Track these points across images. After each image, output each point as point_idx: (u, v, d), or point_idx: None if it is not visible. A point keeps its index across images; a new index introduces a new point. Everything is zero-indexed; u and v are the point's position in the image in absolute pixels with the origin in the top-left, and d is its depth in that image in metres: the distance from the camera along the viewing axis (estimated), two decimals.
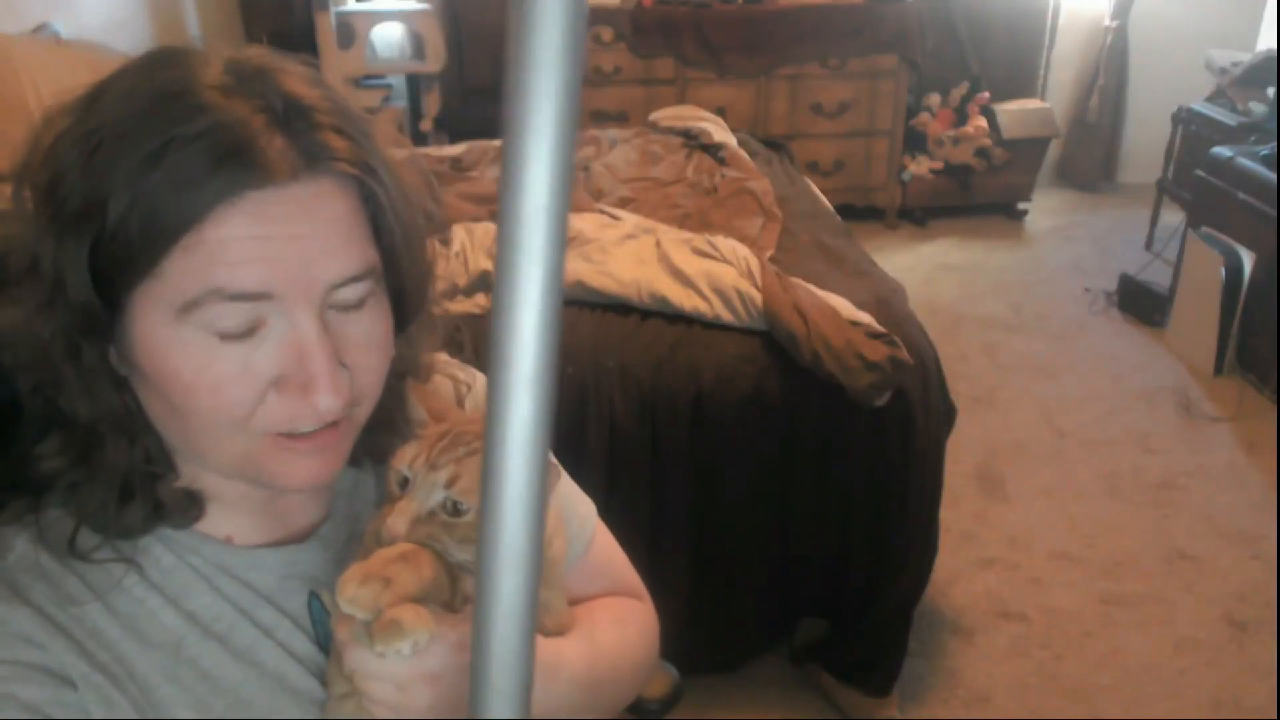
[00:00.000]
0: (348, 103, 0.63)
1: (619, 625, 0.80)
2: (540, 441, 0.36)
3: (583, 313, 1.96)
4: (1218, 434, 2.94)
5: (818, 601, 2.02)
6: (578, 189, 2.57)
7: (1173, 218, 3.91)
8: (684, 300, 1.92)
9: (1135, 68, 4.68)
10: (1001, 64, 4.61)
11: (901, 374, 1.79)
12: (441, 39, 3.89)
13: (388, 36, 3.93)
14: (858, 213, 4.29)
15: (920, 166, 4.44)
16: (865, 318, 1.89)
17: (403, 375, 0.72)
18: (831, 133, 4.26)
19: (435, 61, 3.89)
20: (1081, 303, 3.74)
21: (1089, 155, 4.82)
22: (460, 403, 0.80)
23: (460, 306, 2.00)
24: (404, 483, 0.62)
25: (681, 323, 1.92)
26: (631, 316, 1.94)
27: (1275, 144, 3.09)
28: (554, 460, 0.84)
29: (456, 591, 0.62)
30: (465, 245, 2.15)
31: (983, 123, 4.42)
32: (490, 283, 2.03)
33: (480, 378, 0.83)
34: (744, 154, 2.90)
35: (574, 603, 0.78)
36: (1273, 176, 2.99)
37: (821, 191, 2.88)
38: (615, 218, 2.29)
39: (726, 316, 1.89)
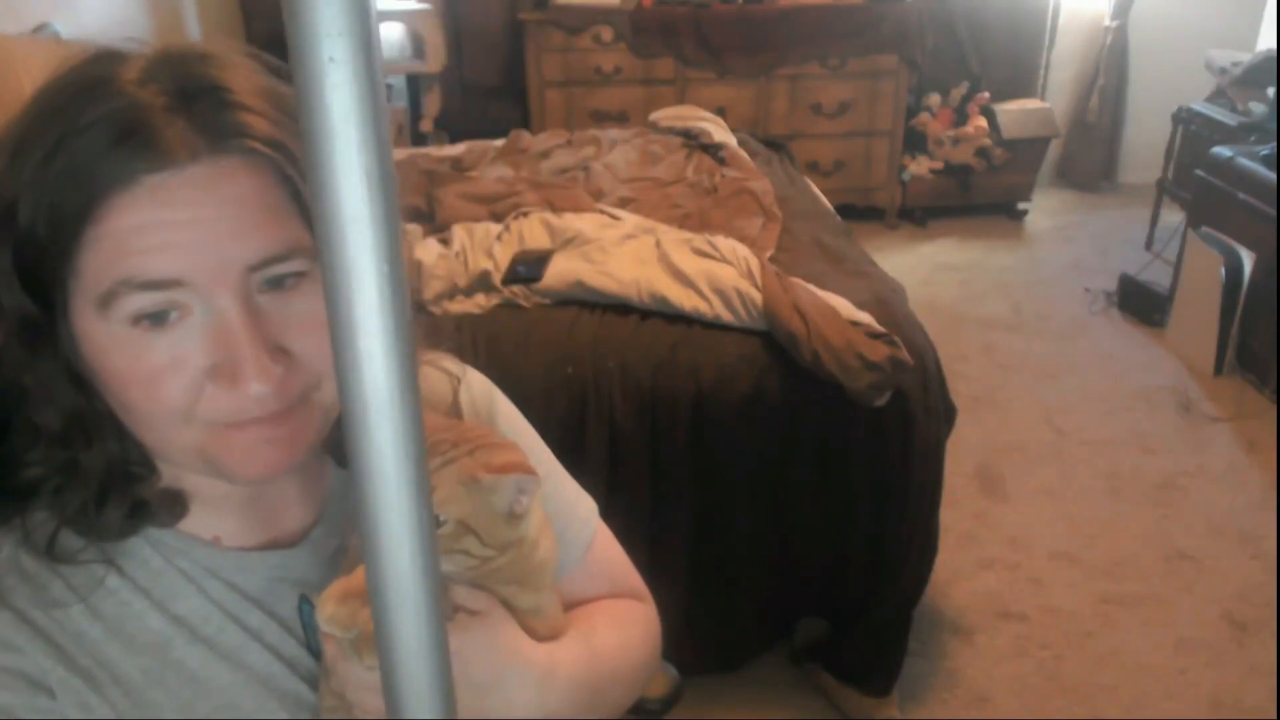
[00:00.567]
0: (282, 86, 0.61)
1: (619, 627, 0.79)
2: (408, 411, 0.33)
3: (583, 313, 1.96)
4: (1218, 434, 2.94)
5: (818, 601, 2.02)
6: (578, 189, 2.57)
7: (1173, 218, 3.91)
8: (684, 300, 1.92)
9: (1135, 68, 4.68)
10: (1001, 64, 4.61)
11: (901, 374, 1.79)
12: (441, 39, 3.90)
13: (388, 36, 3.93)
14: (858, 213, 4.29)
15: (920, 166, 4.44)
16: (865, 318, 1.89)
17: None
18: (831, 133, 4.26)
19: (435, 61, 3.89)
20: (1081, 303, 3.74)
21: (1089, 155, 4.82)
22: (455, 395, 0.78)
23: (460, 306, 2.00)
24: None
25: (681, 323, 1.92)
26: (631, 316, 1.94)
27: (1275, 144, 3.09)
28: (552, 461, 0.84)
29: (445, 601, 0.61)
30: (465, 245, 2.15)
31: (983, 123, 4.42)
32: (491, 283, 2.03)
33: (471, 371, 0.82)
34: (744, 154, 2.90)
35: (575, 604, 0.77)
36: (1273, 176, 2.99)
37: (821, 191, 2.88)
38: (615, 218, 2.29)
39: (726, 316, 1.89)
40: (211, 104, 0.57)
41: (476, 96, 4.33)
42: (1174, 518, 2.58)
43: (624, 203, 2.51)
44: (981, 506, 2.62)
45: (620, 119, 4.04)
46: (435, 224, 2.33)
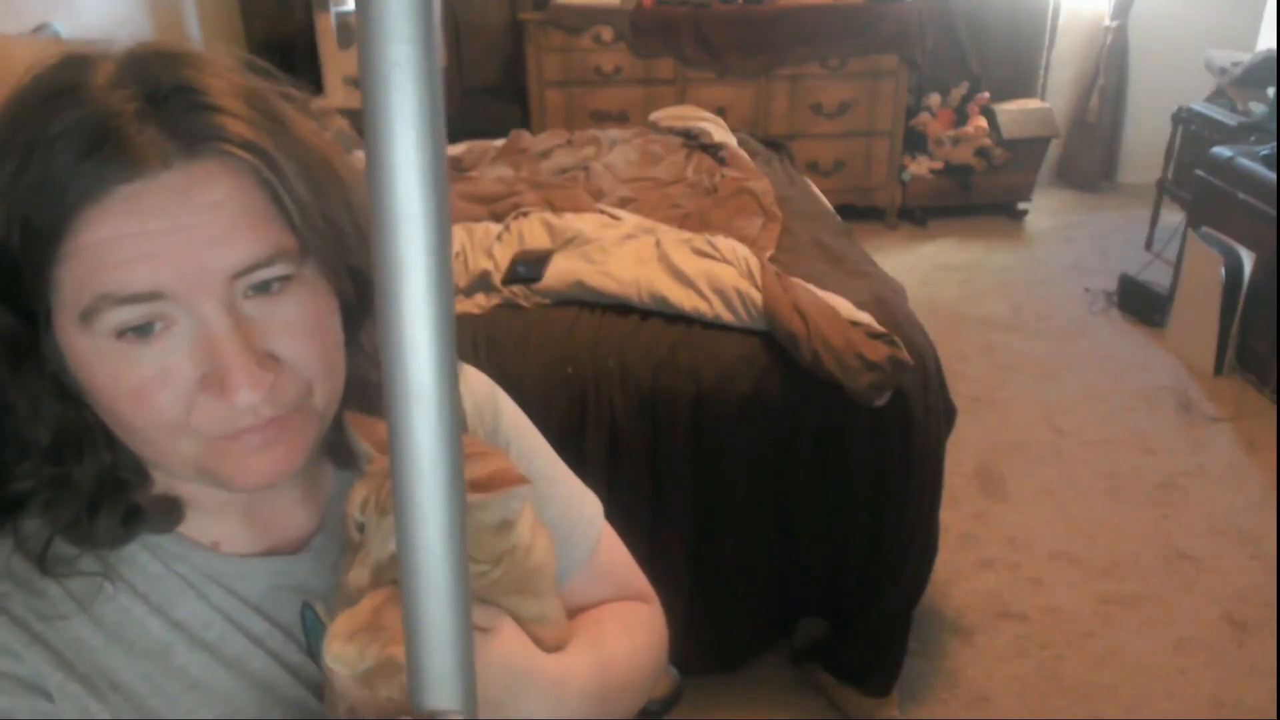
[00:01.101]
0: (262, 85, 0.59)
1: (628, 634, 0.77)
2: (447, 421, 0.36)
3: (583, 313, 1.96)
4: (1218, 434, 2.94)
5: (818, 601, 2.02)
6: (578, 189, 2.57)
7: (1173, 218, 3.92)
8: (684, 300, 1.92)
9: (1135, 68, 4.68)
10: (1001, 64, 4.61)
11: (901, 374, 1.79)
12: (441, 39, 3.89)
13: None
14: (858, 213, 4.29)
15: (920, 166, 4.44)
16: (865, 318, 1.89)
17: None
18: (831, 133, 4.26)
19: None
20: (1081, 303, 3.74)
21: (1089, 155, 4.82)
22: None
23: (460, 306, 2.00)
24: (361, 527, 0.58)
25: (681, 323, 1.92)
26: (631, 316, 1.94)
27: (1275, 144, 3.09)
28: (556, 462, 0.83)
29: None
30: (465, 245, 2.15)
31: (983, 123, 4.42)
32: (491, 283, 2.03)
33: (473, 371, 0.80)
34: (744, 154, 2.90)
35: (581, 608, 0.76)
36: (1273, 176, 2.99)
37: (821, 191, 2.88)
38: (615, 218, 2.29)
39: (726, 316, 1.89)
40: (183, 107, 0.55)
41: (476, 96, 4.33)
42: (1174, 518, 2.58)
43: (624, 203, 2.51)
44: (981, 506, 2.62)
45: (620, 119, 4.04)
46: None
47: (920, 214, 4.51)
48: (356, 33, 0.32)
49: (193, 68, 0.57)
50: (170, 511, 0.64)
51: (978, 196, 4.50)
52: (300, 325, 0.59)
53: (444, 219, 0.33)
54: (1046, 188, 4.84)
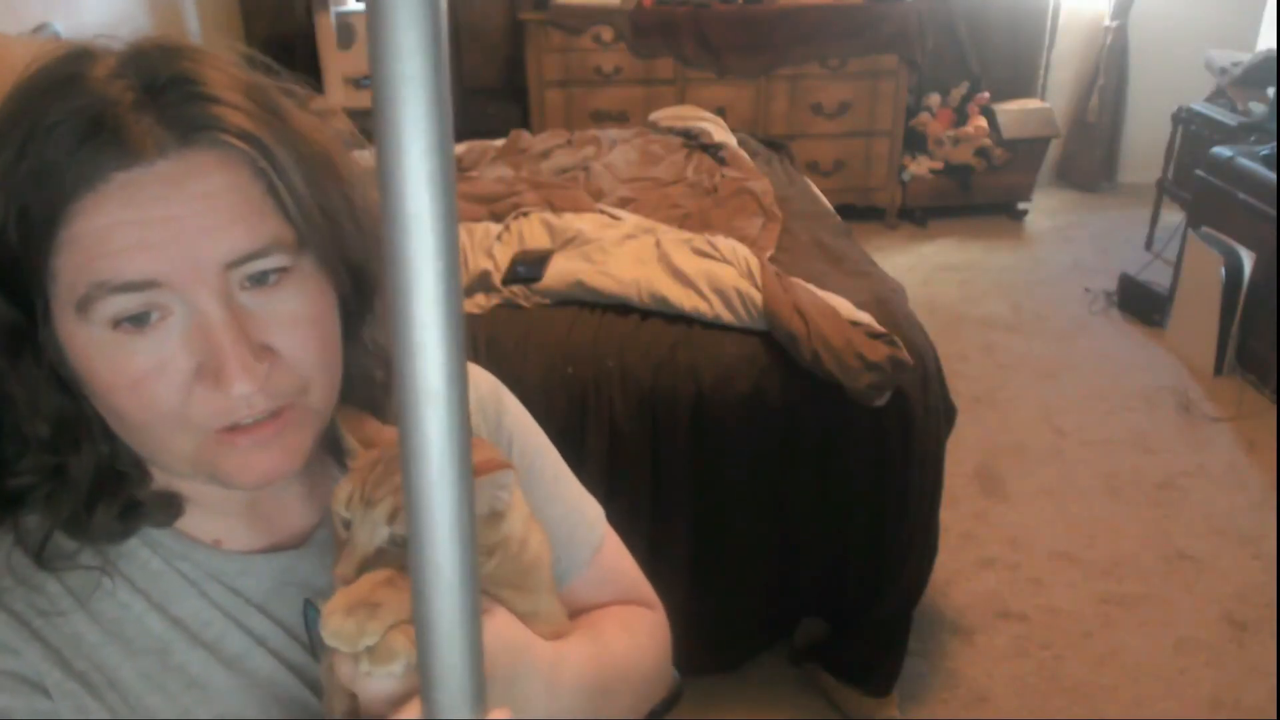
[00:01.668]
0: (262, 80, 0.59)
1: (629, 633, 0.75)
2: (458, 418, 0.36)
3: (583, 313, 1.96)
4: (1218, 434, 2.94)
5: (818, 601, 2.02)
6: (578, 189, 2.57)
7: (1173, 218, 3.91)
8: (684, 300, 1.92)
9: (1135, 68, 4.68)
10: (1001, 64, 4.61)
11: (901, 374, 1.79)
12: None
13: None
14: (858, 213, 4.29)
15: (920, 166, 4.44)
16: (865, 318, 1.89)
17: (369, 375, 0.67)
18: (831, 133, 4.26)
19: None
20: (1081, 303, 3.74)
21: (1089, 155, 4.82)
22: None
23: None
24: (347, 524, 0.57)
25: (681, 323, 1.92)
26: (631, 316, 1.94)
27: (1275, 144, 3.09)
28: (559, 463, 0.83)
29: None
30: (465, 245, 2.15)
31: (983, 123, 4.42)
32: (491, 283, 2.03)
33: (477, 369, 0.80)
34: (744, 154, 2.90)
35: (583, 610, 0.75)
36: (1273, 176, 2.99)
37: (821, 191, 2.88)
38: (615, 218, 2.29)
39: (726, 316, 1.89)
40: (180, 96, 0.55)
41: (476, 96, 4.33)
42: (1174, 518, 2.58)
43: (624, 203, 2.51)
44: (981, 506, 2.62)
45: (620, 119, 4.04)
46: None
47: (920, 214, 4.51)
48: (368, 46, 0.33)
49: (192, 60, 0.57)
50: (169, 506, 0.64)
51: (978, 196, 4.50)
52: (297, 318, 0.59)
53: (452, 225, 0.34)
54: (1046, 188, 4.84)
